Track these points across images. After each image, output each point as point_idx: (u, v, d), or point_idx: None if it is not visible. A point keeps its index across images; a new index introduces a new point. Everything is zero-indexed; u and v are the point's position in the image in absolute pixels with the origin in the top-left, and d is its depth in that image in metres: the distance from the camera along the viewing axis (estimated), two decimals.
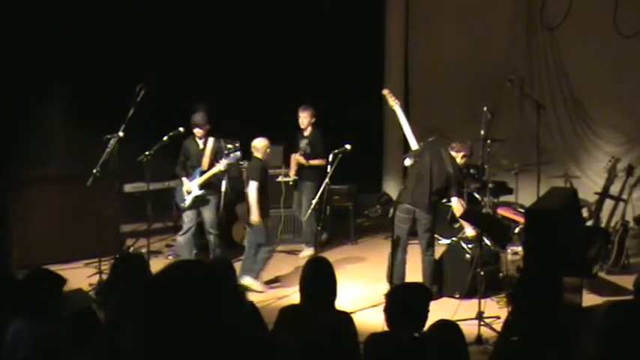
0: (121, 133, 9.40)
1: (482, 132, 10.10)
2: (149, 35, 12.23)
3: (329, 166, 9.24)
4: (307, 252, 11.04)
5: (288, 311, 5.45)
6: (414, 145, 9.08)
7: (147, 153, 9.56)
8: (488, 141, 10.33)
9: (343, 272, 10.10)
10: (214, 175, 10.14)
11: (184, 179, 10.13)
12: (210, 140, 10.20)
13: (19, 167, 10.82)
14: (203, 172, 10.09)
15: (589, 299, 8.33)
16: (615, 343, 4.01)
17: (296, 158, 11.32)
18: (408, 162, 9.18)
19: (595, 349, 4.13)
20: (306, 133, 11.37)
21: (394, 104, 9.22)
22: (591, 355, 4.17)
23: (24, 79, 11.30)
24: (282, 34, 13.28)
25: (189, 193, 10.06)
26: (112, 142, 9.39)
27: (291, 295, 8.99)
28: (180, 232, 10.25)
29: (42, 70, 11.56)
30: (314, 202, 9.31)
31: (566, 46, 12.98)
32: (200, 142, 10.20)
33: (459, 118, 13.40)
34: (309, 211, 9.81)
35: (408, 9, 14.42)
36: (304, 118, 11.30)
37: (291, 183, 11.47)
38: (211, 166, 10.11)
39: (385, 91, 9.44)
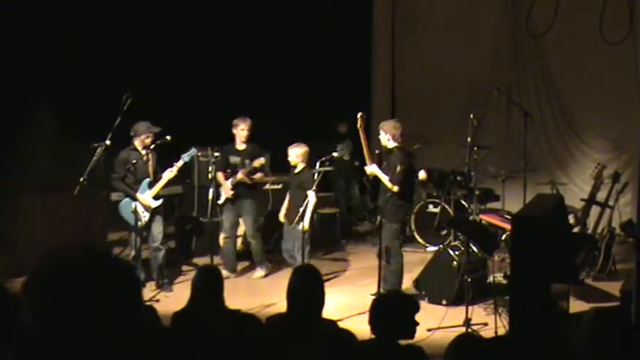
0: (107, 142, 9.39)
1: (468, 139, 10.14)
2: (137, 42, 12.23)
3: (316, 175, 9.24)
4: (261, 272, 10.47)
5: (275, 320, 5.44)
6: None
7: (134, 162, 9.53)
8: (475, 148, 10.35)
9: (330, 279, 10.13)
10: (169, 181, 9.68)
11: (140, 195, 9.58)
12: (149, 151, 9.68)
13: (5, 177, 10.77)
14: (152, 183, 9.65)
15: (576, 306, 8.35)
16: (602, 350, 4.02)
17: (238, 178, 10.06)
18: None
19: (582, 355, 4.14)
20: (241, 147, 10.22)
21: (360, 127, 9.25)
22: None
23: (9, 87, 11.26)
24: (267, 44, 13.31)
25: (147, 208, 9.61)
26: (99, 150, 9.36)
27: (279, 303, 8.99)
28: (133, 254, 9.73)
29: (27, 79, 11.53)
30: (301, 210, 9.27)
31: (552, 54, 13.04)
32: (143, 153, 9.65)
33: (445, 125, 13.43)
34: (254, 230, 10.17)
35: (395, 17, 14.46)
36: (242, 130, 10.14)
37: (221, 202, 10.29)
38: (156, 175, 9.68)
39: (360, 115, 9.40)
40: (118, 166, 9.64)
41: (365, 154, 9.32)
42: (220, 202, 10.26)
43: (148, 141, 9.66)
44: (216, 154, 10.20)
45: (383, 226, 9.06)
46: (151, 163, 9.74)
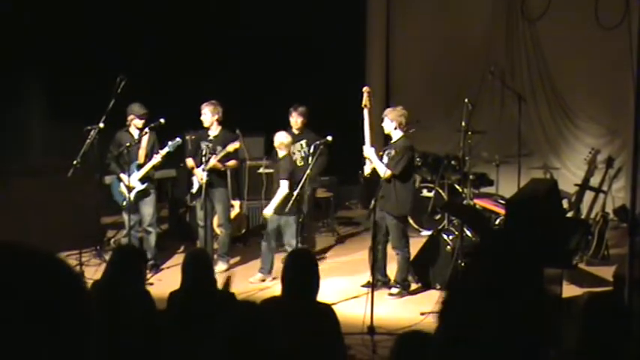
0: (101, 125, 9.38)
1: (462, 123, 10.12)
2: (132, 23, 12.17)
3: (310, 158, 9.20)
4: (222, 266, 9.88)
5: (269, 303, 5.44)
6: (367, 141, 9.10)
7: (127, 144, 9.53)
8: (469, 132, 10.34)
9: (324, 263, 10.13)
10: (154, 167, 9.72)
11: (123, 175, 9.62)
12: (146, 132, 9.69)
13: None
14: (140, 166, 9.67)
15: (569, 290, 8.37)
16: (595, 335, 4.03)
17: (211, 164, 9.57)
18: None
19: (575, 340, 4.15)
20: (213, 133, 9.82)
21: (365, 106, 9.14)
22: (572, 346, 4.19)
23: (1, 69, 11.21)
24: (265, 27, 13.25)
25: (130, 189, 9.58)
26: (93, 133, 9.36)
27: (273, 287, 9.01)
28: (124, 234, 9.88)
29: (19, 61, 11.49)
30: (295, 193, 9.19)
31: (547, 38, 13.02)
32: (135, 135, 9.72)
33: (439, 109, 13.42)
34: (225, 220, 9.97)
35: (389, 1, 14.42)
36: (205, 115, 9.75)
37: (194, 191, 10.01)
38: (147, 159, 9.71)
39: (366, 89, 9.32)
40: (111, 146, 9.76)
41: (367, 135, 9.06)
42: (194, 190, 10.00)
43: (137, 123, 9.72)
44: (208, 143, 9.92)
45: (387, 219, 8.98)
46: (143, 145, 9.77)
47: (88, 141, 9.36)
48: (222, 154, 9.67)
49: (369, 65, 14.46)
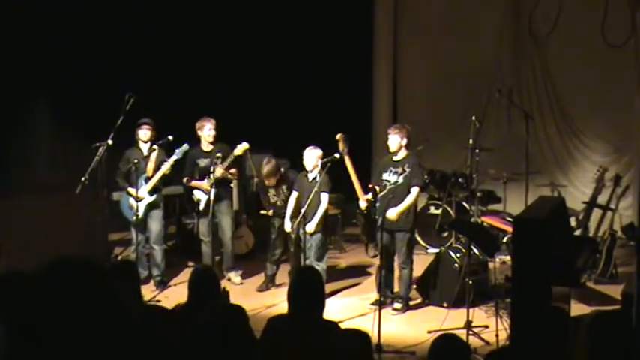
0: (110, 142, 9.42)
1: (470, 141, 10.12)
2: (139, 41, 12.21)
3: (317, 175, 9.19)
4: (238, 277, 10.24)
5: (276, 320, 5.44)
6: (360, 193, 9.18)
7: (135, 161, 9.56)
8: (477, 150, 10.35)
9: (331, 280, 10.10)
10: (163, 176, 9.75)
11: (131, 189, 9.69)
12: (155, 147, 9.76)
13: (5, 176, 10.78)
14: (148, 179, 9.74)
15: (577, 309, 8.34)
16: (603, 353, 4.02)
17: (218, 175, 9.67)
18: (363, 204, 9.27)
19: (583, 358, 4.14)
20: (208, 149, 9.96)
21: (343, 151, 9.13)
22: None
23: (10, 85, 11.24)
24: (271, 45, 13.30)
25: (139, 201, 9.65)
26: (101, 150, 9.40)
27: (280, 304, 8.98)
28: (132, 249, 9.94)
29: (28, 77, 11.53)
30: (303, 210, 9.13)
31: (554, 56, 13.02)
32: (144, 149, 9.81)
33: (446, 127, 13.42)
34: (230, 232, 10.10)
35: (396, 19, 14.44)
36: (210, 130, 9.91)
37: (202, 207, 9.96)
38: (155, 172, 9.74)
39: (340, 136, 9.28)
40: (120, 163, 9.82)
41: (355, 187, 9.17)
42: (201, 207, 9.96)
43: (141, 135, 9.80)
44: (218, 154, 9.90)
45: (397, 237, 9.03)
46: (152, 159, 9.80)
47: (97, 158, 9.40)
48: (229, 160, 9.77)
49: (377, 82, 14.47)
